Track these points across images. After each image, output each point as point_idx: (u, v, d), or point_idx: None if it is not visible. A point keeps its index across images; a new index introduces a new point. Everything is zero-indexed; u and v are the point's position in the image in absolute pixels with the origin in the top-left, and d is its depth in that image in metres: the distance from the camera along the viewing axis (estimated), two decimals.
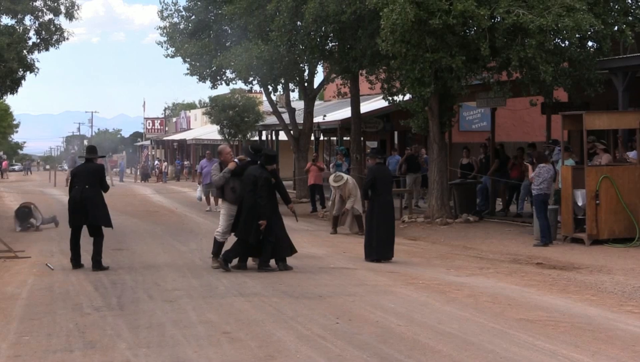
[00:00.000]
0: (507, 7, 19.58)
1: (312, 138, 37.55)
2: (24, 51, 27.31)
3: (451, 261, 16.59)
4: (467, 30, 21.31)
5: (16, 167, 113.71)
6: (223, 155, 15.17)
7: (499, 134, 28.42)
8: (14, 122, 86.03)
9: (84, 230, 15.06)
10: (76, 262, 14.92)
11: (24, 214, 22.75)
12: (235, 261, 14.80)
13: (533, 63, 19.78)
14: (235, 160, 15.22)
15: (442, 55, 20.73)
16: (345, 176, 21.74)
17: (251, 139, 51.69)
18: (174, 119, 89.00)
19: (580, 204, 18.73)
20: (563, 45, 20.55)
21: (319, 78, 36.65)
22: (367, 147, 36.75)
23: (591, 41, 21.44)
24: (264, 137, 47.40)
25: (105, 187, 15.27)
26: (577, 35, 19.70)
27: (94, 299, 11.72)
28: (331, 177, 21.85)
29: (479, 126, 35.62)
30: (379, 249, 16.20)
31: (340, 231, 22.09)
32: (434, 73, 21.55)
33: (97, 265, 14.64)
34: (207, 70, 33.68)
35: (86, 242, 15.05)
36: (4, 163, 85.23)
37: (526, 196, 23.22)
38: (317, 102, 38.45)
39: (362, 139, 33.04)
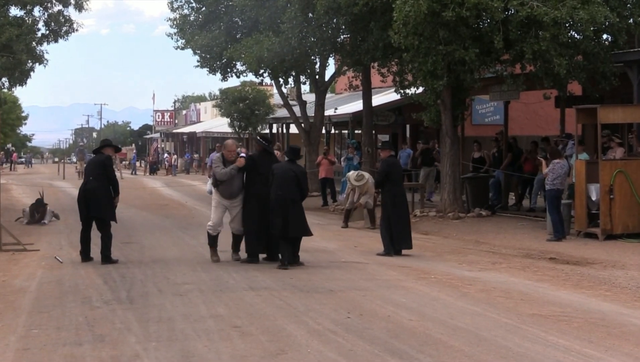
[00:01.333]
0: (521, 0, 19.41)
1: (323, 131, 37.43)
2: (33, 43, 27.22)
3: (463, 256, 16.52)
4: (481, 23, 21.17)
5: (23, 160, 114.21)
6: (227, 150, 14.88)
7: (512, 128, 28.25)
8: (23, 115, 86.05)
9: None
10: (85, 255, 14.86)
11: (38, 211, 22.68)
12: (243, 254, 14.76)
13: (547, 56, 19.62)
14: (242, 155, 15.12)
15: (455, 48, 20.59)
16: (367, 176, 21.66)
17: (261, 131, 51.62)
18: (184, 112, 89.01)
19: (594, 198, 18.61)
20: (577, 38, 20.33)
21: (330, 71, 36.58)
22: (378, 141, 36.62)
23: (606, 34, 21.26)
24: (274, 130, 47.30)
25: (112, 179, 15.13)
26: (591, 28, 19.50)
27: (104, 292, 11.69)
28: (353, 175, 21.77)
29: (492, 120, 35.44)
30: (400, 241, 16.20)
31: (352, 225, 22.02)
32: (446, 66, 21.41)
33: (106, 259, 14.56)
34: (218, 63, 33.63)
35: (97, 236, 14.98)
36: (14, 155, 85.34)
37: (539, 190, 23.07)
38: (328, 95, 38.34)
39: (373, 132, 32.92)
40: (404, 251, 16.26)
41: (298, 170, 14.72)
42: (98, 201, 14.72)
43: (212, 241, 14.93)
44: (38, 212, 22.53)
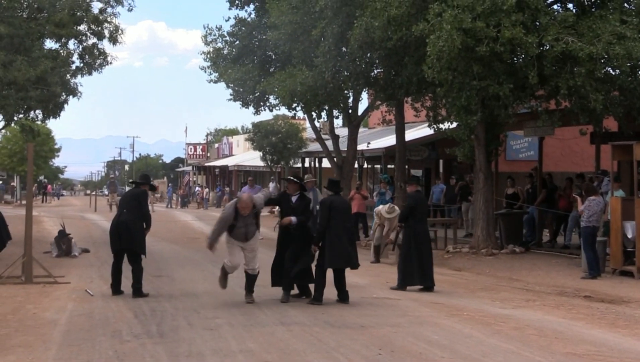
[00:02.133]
0: (555, 35, 19.35)
1: (356, 166, 37.34)
2: (67, 75, 27.47)
3: (496, 293, 16.37)
4: (515, 58, 21.08)
5: (64, 192, 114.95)
6: (241, 205, 13.86)
7: (547, 164, 28.02)
8: (56, 147, 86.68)
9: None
10: (116, 288, 14.83)
11: (63, 243, 22.72)
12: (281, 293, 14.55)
13: (582, 91, 19.47)
14: (293, 219, 14.44)
15: (489, 83, 20.52)
16: (397, 209, 21.57)
17: (294, 165, 51.63)
18: (216, 145, 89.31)
19: (630, 236, 18.43)
20: (614, 73, 20.18)
21: (363, 105, 36.62)
22: (411, 176, 36.44)
23: None
24: (307, 164, 47.30)
25: (146, 213, 15.14)
26: (628, 64, 19.35)
27: (134, 326, 11.65)
28: (384, 208, 21.70)
29: (526, 155, 35.20)
30: (423, 277, 16.14)
31: (384, 260, 21.90)
32: (480, 101, 21.34)
33: (137, 292, 14.53)
34: (251, 96, 33.75)
35: (128, 269, 14.98)
36: (48, 187, 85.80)
37: (574, 227, 22.82)
38: (361, 129, 38.30)
39: (406, 167, 32.80)
40: (430, 288, 16.20)
41: (347, 203, 14.91)
42: (130, 234, 14.71)
43: (225, 274, 14.38)
44: (63, 243, 22.56)
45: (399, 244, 21.37)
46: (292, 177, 15.31)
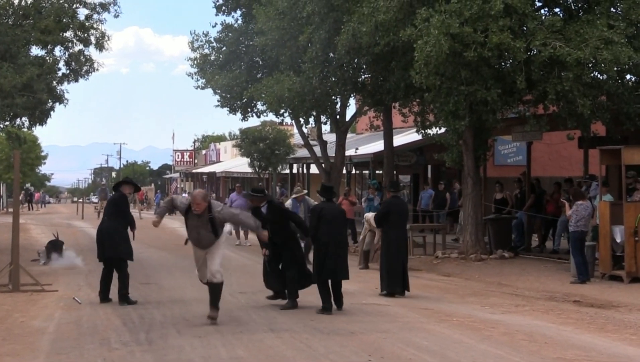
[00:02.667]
0: (543, 40, 19.36)
1: (344, 171, 37.32)
2: (54, 82, 27.31)
3: (486, 298, 16.38)
4: (503, 63, 21.12)
5: (51, 200, 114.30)
6: (194, 202, 12.60)
7: (535, 169, 28.07)
8: (42, 154, 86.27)
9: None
10: (104, 296, 14.78)
11: (55, 248, 22.60)
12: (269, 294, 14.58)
13: (570, 96, 19.49)
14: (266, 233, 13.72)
15: (477, 88, 20.51)
16: None
17: (282, 172, 51.55)
18: (204, 152, 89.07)
19: (618, 240, 18.42)
20: (601, 78, 20.20)
21: (351, 110, 36.55)
22: (401, 181, 36.43)
23: (630, 74, 21.08)
24: (294, 170, 47.25)
25: (126, 216, 15.14)
26: (615, 68, 19.36)
27: (122, 333, 11.61)
28: (371, 216, 21.65)
29: (515, 160, 35.26)
30: (393, 282, 16.22)
31: (373, 266, 21.84)
32: (468, 106, 21.32)
33: (123, 298, 14.47)
34: (238, 102, 33.66)
35: (115, 276, 14.92)
36: (37, 195, 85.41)
37: (563, 232, 22.84)
38: (349, 135, 38.25)
39: (395, 172, 32.78)
40: (411, 293, 16.31)
41: (341, 210, 14.83)
42: (112, 241, 14.72)
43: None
44: (56, 251, 22.42)
45: (365, 251, 21.69)
46: (251, 193, 15.28)
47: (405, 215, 17.26)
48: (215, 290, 12.68)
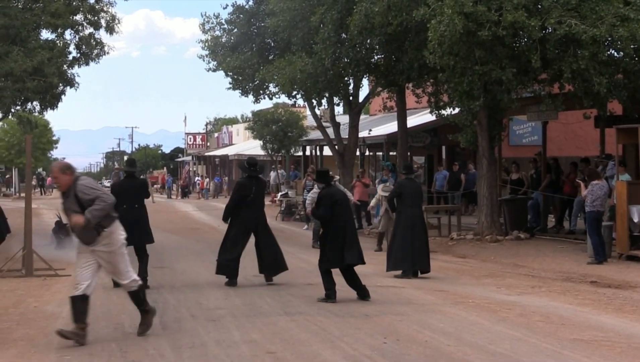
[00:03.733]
0: (558, 18, 19.16)
1: (358, 153, 37.17)
2: (64, 66, 27.23)
3: (501, 279, 16.31)
4: (518, 42, 20.91)
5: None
6: (53, 175, 10.66)
7: (551, 149, 27.85)
8: (54, 138, 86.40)
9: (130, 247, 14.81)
10: None
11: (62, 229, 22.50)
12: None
13: (586, 75, 19.30)
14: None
15: (491, 68, 20.34)
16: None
17: (295, 154, 51.46)
18: (216, 134, 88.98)
19: (635, 220, 18.30)
20: (617, 56, 20.00)
21: (364, 92, 36.31)
22: (414, 162, 36.24)
23: None
24: (308, 153, 47.11)
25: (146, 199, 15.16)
26: (632, 46, 19.15)
27: (136, 318, 11.45)
28: (379, 187, 21.54)
29: (530, 140, 35.04)
30: (417, 261, 16.22)
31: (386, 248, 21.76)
32: (483, 86, 21.16)
33: (144, 283, 14.32)
34: (250, 84, 33.58)
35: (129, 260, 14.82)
36: (49, 179, 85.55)
37: (579, 212, 22.66)
38: (362, 117, 38.11)
39: (409, 154, 32.63)
40: (426, 274, 16.28)
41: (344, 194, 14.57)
42: (144, 229, 14.78)
43: (77, 308, 9.94)
44: (62, 234, 22.30)
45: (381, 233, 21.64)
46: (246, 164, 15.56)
47: (420, 196, 17.17)
48: (135, 297, 10.39)
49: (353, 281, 13.32)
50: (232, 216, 15.13)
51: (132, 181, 15.15)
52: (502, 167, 25.98)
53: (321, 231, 13.89)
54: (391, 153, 34.87)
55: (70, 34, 27.75)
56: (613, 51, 19.99)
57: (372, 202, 22.49)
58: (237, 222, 15.03)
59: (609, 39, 18.92)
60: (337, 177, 23.04)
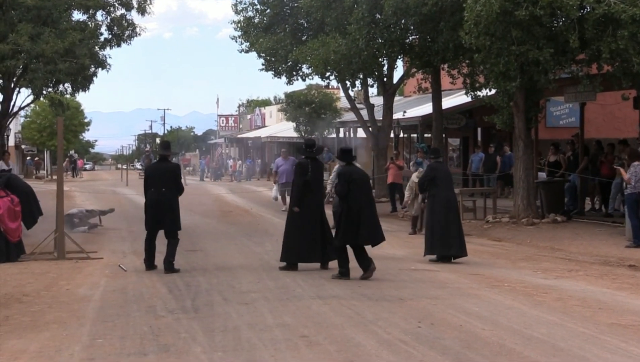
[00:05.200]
0: None
1: (392, 135, 36.98)
2: (96, 47, 27.24)
3: (538, 263, 16.18)
4: (555, 22, 20.65)
5: (87, 166, 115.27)
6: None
7: (588, 130, 27.48)
8: (85, 120, 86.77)
9: (160, 231, 14.77)
10: (150, 263, 14.67)
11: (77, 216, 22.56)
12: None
13: (625, 55, 19.01)
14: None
15: (528, 48, 20.09)
16: None
17: (328, 136, 51.31)
18: (249, 116, 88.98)
19: None
20: None
21: (398, 73, 36.13)
22: (449, 144, 35.92)
23: None
24: (341, 135, 46.96)
25: (181, 189, 14.96)
26: None
27: (168, 301, 11.56)
28: (414, 175, 21.29)
29: (567, 122, 34.69)
30: (452, 246, 15.99)
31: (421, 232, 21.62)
32: (519, 67, 20.91)
33: (170, 266, 14.32)
34: (283, 66, 33.49)
35: (159, 243, 14.86)
36: (79, 162, 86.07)
37: (617, 195, 22.32)
38: (396, 98, 37.91)
39: (444, 136, 32.39)
40: (461, 259, 16.01)
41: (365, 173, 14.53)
42: (173, 214, 14.56)
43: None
44: (76, 218, 22.33)
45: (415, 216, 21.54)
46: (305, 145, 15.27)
47: (450, 178, 17.02)
48: None
49: (361, 258, 13.62)
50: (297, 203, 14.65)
51: (165, 164, 15.00)
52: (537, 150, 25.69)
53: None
54: (426, 135, 34.67)
55: (102, 15, 27.81)
56: None
57: (406, 194, 22.20)
58: (301, 209, 14.61)
59: None
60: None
